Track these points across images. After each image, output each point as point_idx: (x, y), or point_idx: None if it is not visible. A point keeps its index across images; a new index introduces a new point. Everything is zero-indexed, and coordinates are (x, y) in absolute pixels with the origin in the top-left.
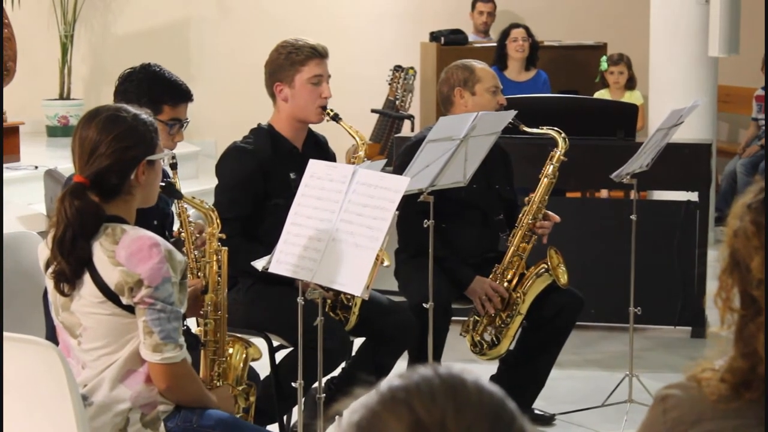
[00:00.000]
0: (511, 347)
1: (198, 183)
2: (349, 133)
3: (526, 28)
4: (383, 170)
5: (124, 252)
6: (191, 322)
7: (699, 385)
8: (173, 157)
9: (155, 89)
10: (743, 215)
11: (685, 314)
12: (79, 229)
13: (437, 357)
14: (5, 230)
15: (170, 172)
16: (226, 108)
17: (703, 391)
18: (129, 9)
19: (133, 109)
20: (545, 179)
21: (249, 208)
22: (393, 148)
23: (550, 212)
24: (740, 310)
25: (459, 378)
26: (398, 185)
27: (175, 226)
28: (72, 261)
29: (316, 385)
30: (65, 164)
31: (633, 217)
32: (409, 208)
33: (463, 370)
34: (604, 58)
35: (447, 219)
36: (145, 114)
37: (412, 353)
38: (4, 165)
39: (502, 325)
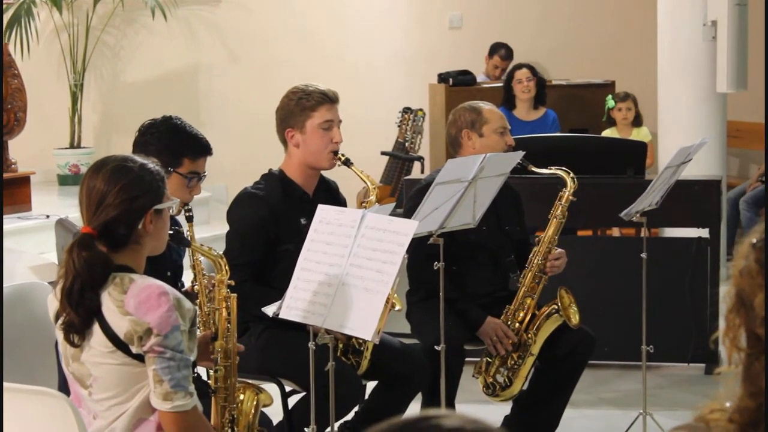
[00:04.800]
0: (524, 388)
1: (210, 228)
2: (361, 178)
3: (530, 68)
4: (393, 213)
5: (132, 301)
6: (202, 370)
7: (707, 426)
8: (189, 210)
9: (176, 142)
10: (748, 254)
11: (698, 351)
12: (88, 280)
13: (450, 399)
14: (17, 280)
15: (186, 224)
16: (237, 153)
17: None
18: (138, 57)
19: (139, 158)
20: (554, 219)
21: (260, 253)
22: (403, 190)
23: (556, 249)
24: (746, 349)
25: None
26: (407, 229)
27: (189, 278)
28: (81, 312)
29: (328, 430)
30: (76, 213)
31: (643, 255)
32: (419, 250)
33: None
34: (610, 96)
35: (457, 261)
36: (151, 163)
37: (425, 396)
38: (16, 215)
39: (515, 366)
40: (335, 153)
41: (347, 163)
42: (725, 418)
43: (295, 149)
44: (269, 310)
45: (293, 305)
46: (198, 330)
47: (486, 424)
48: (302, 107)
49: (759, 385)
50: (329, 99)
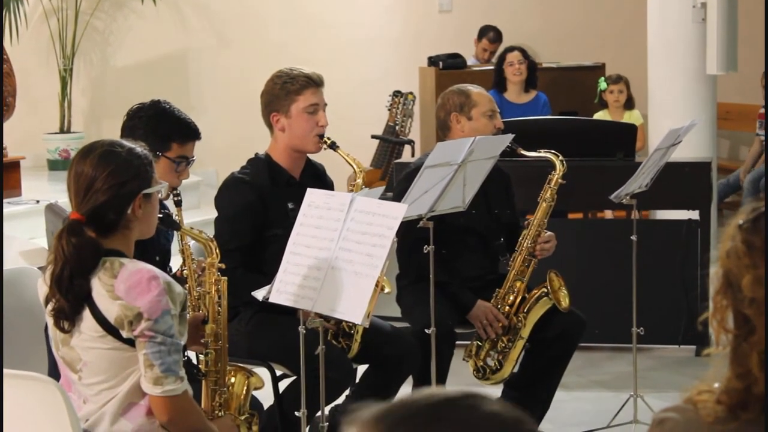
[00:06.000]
0: (515, 371)
1: (200, 213)
2: (347, 161)
3: (522, 51)
4: (383, 196)
5: (123, 285)
6: (192, 354)
7: (695, 408)
8: (178, 194)
9: (164, 126)
10: (735, 235)
11: (689, 333)
12: (77, 266)
13: (441, 382)
14: (7, 265)
15: (174, 209)
16: (227, 137)
17: (699, 413)
18: (127, 41)
19: (127, 143)
20: (543, 203)
21: (248, 238)
22: (393, 173)
23: (545, 232)
24: (734, 330)
25: None
26: (396, 212)
27: (178, 263)
28: (71, 298)
29: (319, 413)
30: (66, 198)
31: (633, 237)
32: (409, 234)
33: None
34: (602, 78)
35: (447, 244)
36: (139, 148)
37: (416, 379)
38: (6, 200)
39: (505, 349)
40: (321, 136)
41: (333, 146)
42: (713, 399)
43: (280, 133)
44: (259, 294)
45: (283, 289)
46: (188, 314)
47: (519, 413)
48: (287, 91)
49: (747, 366)
50: (314, 82)
